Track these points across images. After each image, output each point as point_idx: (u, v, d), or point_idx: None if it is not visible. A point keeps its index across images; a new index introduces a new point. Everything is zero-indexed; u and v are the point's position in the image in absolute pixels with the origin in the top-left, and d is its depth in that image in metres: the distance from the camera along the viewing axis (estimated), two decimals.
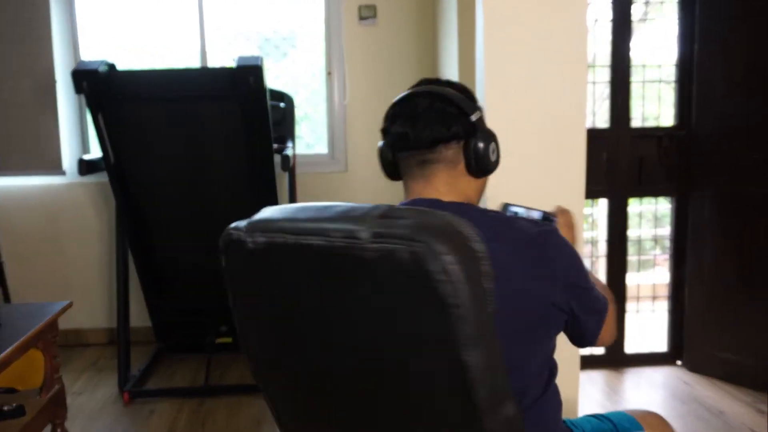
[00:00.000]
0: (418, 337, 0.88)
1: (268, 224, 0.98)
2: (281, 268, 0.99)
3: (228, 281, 1.10)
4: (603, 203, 3.58)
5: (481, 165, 1.27)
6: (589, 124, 3.05)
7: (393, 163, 1.33)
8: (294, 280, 0.98)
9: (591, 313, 1.27)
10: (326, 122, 4.11)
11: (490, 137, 1.28)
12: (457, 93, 1.27)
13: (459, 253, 0.83)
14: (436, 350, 0.87)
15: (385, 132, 1.31)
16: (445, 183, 1.27)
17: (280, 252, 0.97)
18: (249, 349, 1.15)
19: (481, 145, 1.26)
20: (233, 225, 1.04)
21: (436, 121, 1.25)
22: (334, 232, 0.88)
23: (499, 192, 1.86)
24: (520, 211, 1.39)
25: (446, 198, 1.26)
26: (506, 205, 1.44)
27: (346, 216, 0.91)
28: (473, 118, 1.25)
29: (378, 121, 1.36)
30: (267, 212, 1.03)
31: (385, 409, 0.97)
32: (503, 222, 1.24)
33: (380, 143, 1.34)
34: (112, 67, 3.14)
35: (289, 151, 3.43)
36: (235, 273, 1.08)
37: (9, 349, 1.93)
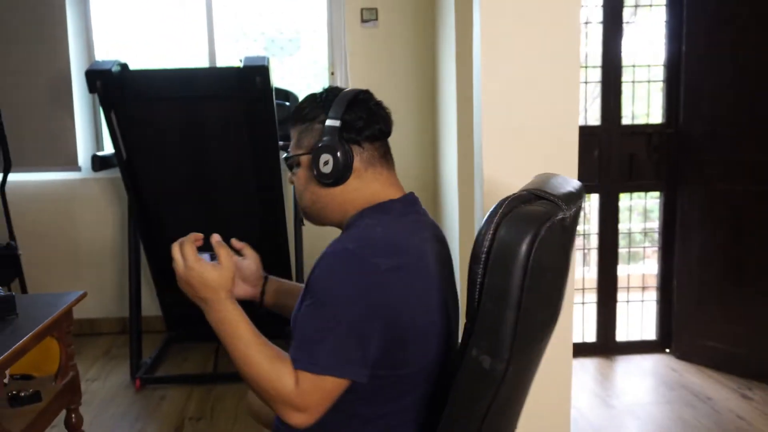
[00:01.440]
0: None
1: (565, 195, 1.10)
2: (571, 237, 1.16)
3: (533, 269, 0.98)
4: (595, 198, 3.68)
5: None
6: (581, 122, 3.15)
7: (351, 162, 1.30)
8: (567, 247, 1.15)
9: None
10: None
11: None
12: None
13: None
14: None
15: (358, 127, 1.30)
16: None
17: (572, 222, 1.12)
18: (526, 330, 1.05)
19: None
20: (545, 199, 1.06)
21: (389, 117, 1.37)
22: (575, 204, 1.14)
23: (496, 187, 1.91)
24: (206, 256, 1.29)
25: None
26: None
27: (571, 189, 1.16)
28: None
29: None
30: (544, 185, 1.14)
31: None
32: None
33: (331, 141, 1.27)
34: (124, 66, 3.16)
35: None
36: (543, 256, 1.00)
37: (26, 338, 1.95)
